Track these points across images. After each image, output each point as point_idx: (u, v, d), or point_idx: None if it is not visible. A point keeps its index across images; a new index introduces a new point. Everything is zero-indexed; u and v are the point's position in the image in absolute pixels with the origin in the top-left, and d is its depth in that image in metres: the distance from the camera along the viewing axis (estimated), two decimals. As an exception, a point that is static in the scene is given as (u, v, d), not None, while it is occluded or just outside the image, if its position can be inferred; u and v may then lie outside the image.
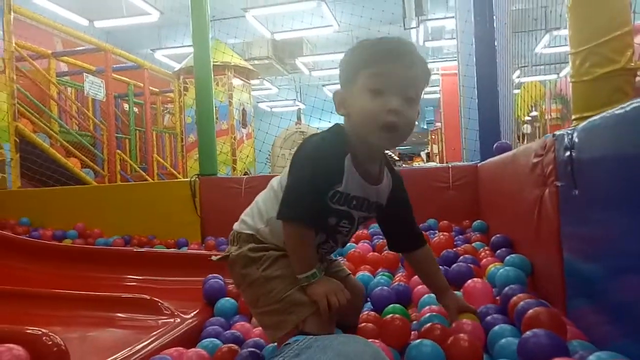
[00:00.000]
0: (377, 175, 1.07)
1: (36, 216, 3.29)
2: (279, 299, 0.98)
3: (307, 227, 0.99)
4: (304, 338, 0.79)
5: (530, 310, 0.97)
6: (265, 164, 9.61)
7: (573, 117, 1.35)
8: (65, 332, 1.37)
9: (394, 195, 1.12)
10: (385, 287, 1.37)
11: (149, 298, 1.52)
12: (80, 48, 5.99)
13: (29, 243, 2.11)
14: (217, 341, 1.19)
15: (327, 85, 13.12)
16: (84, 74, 5.50)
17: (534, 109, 8.31)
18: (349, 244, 2.01)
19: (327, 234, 1.06)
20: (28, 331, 0.99)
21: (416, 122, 1.02)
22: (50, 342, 0.97)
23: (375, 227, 2.45)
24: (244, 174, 6.65)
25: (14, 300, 1.56)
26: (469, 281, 1.27)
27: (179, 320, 1.40)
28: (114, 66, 5.89)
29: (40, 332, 0.98)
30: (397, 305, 1.25)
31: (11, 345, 0.87)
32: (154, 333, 1.29)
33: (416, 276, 1.50)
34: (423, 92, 1.02)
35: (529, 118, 8.36)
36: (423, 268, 1.17)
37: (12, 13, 4.13)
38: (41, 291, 1.65)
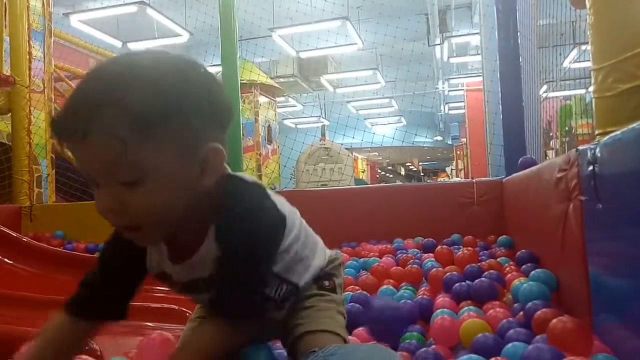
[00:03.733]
0: (188, 249, 0.74)
1: (70, 229, 3.42)
2: None
3: None
4: (330, 346, 0.80)
5: (554, 320, 0.97)
6: (290, 179, 9.71)
7: (596, 132, 1.35)
8: (98, 339, 1.42)
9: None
10: (409, 301, 1.38)
11: (177, 308, 1.57)
12: (114, 68, 6.25)
13: (64, 255, 2.21)
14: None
15: (351, 102, 13.23)
16: (117, 93, 5.73)
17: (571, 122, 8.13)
18: (372, 258, 2.03)
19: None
20: (66, 336, 1.05)
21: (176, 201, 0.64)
22: (87, 347, 1.02)
23: (399, 241, 2.46)
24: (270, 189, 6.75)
25: (51, 307, 1.64)
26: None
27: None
28: (145, 85, 6.11)
29: (77, 337, 1.04)
30: (414, 333, 1.23)
31: None
32: (183, 342, 1.33)
33: (443, 296, 1.49)
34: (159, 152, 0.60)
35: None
36: None
37: (52, 37, 4.36)
38: (76, 300, 1.72)
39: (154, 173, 0.61)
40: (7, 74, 3.75)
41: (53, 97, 4.44)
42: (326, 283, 0.90)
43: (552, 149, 6.59)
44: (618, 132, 0.96)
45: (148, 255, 0.79)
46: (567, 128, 6.76)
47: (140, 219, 0.64)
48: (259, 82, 7.55)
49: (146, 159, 0.60)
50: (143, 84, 0.59)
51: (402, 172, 25.23)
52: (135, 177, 0.60)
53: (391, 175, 24.32)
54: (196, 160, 0.65)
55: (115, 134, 0.57)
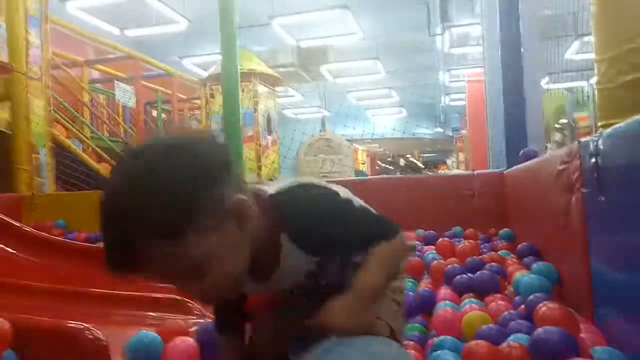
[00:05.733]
0: (266, 268, 0.79)
1: (70, 218, 3.41)
2: None
3: None
4: (335, 338, 0.80)
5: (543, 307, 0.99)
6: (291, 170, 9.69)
7: (599, 123, 1.35)
8: (101, 328, 1.42)
9: None
10: (411, 293, 1.39)
11: (179, 299, 1.57)
12: (112, 56, 6.21)
13: (65, 244, 2.21)
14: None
15: (351, 92, 13.16)
16: (115, 81, 5.69)
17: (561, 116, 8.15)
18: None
19: None
20: (71, 325, 1.05)
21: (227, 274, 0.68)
22: (91, 336, 1.03)
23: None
24: (270, 180, 6.73)
25: (53, 297, 1.65)
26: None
27: (208, 320, 1.44)
28: (144, 74, 6.07)
29: (82, 327, 1.04)
30: (417, 325, 1.24)
31: None
32: (184, 332, 1.33)
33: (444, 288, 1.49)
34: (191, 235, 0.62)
35: (558, 126, 8.20)
36: None
37: (48, 23, 4.31)
38: (79, 290, 1.72)
39: (208, 254, 0.65)
40: (5, 61, 3.72)
41: (50, 84, 4.40)
42: None
43: (556, 141, 6.59)
44: (621, 124, 0.96)
45: None
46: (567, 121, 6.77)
47: (219, 289, 0.70)
48: (258, 71, 7.48)
49: (195, 250, 0.63)
50: (152, 198, 0.61)
51: (402, 164, 25.21)
52: (197, 269, 0.65)
53: (392, 168, 24.28)
54: (231, 219, 0.67)
55: (155, 252, 0.62)
